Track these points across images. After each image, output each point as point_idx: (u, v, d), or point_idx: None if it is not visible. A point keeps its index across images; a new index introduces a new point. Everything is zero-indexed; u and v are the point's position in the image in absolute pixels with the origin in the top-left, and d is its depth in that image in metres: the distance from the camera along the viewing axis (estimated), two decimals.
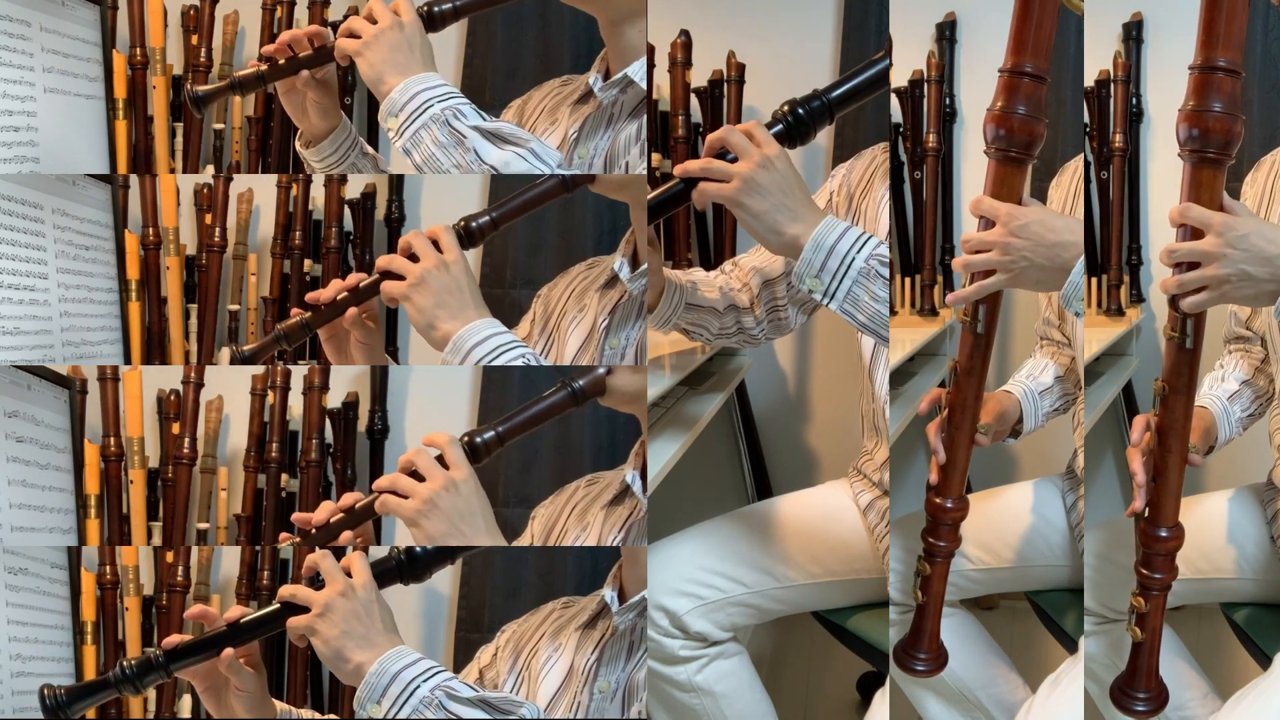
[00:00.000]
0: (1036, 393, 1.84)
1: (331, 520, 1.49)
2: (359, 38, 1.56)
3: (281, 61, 1.61)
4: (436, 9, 1.60)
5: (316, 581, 1.44)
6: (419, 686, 1.40)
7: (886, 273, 1.53)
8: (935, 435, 1.70)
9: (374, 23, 1.56)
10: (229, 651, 1.43)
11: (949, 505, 1.71)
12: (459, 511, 1.44)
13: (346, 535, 1.49)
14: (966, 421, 1.69)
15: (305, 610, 1.42)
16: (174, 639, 1.44)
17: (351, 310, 1.55)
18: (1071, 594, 1.86)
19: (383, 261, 1.52)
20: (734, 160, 1.54)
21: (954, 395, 1.68)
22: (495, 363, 1.48)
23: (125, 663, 1.44)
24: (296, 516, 1.51)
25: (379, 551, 1.50)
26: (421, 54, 1.57)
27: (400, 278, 1.51)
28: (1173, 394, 1.57)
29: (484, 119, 1.56)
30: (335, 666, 1.41)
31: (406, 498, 1.44)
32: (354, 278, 1.56)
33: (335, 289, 1.56)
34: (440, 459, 1.45)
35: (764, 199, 1.52)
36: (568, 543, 1.58)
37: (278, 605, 1.44)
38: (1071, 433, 1.90)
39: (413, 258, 1.51)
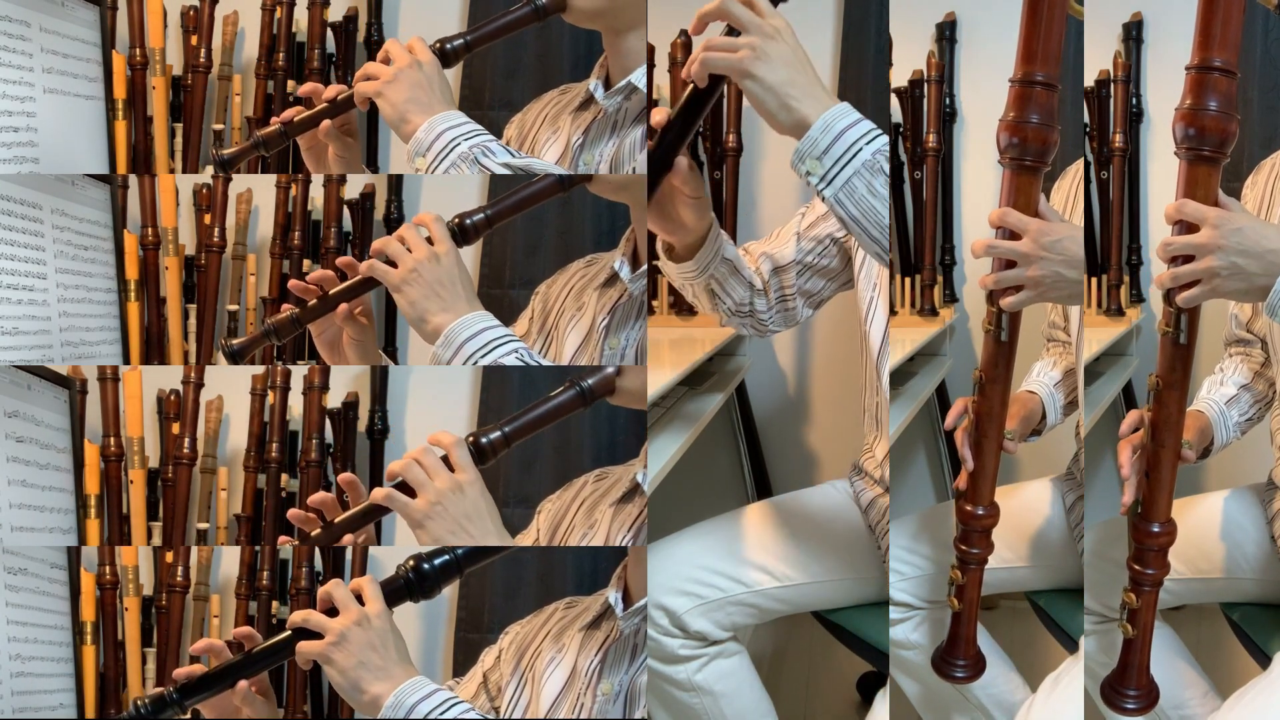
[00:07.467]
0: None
1: (335, 521, 1.48)
2: (377, 80, 1.55)
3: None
4: (449, 45, 1.59)
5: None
6: None
7: (888, 169, 1.44)
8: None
9: (389, 63, 1.55)
10: (243, 684, 1.41)
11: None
12: (465, 514, 1.43)
13: (349, 538, 1.47)
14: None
15: (317, 635, 1.40)
16: (184, 671, 1.42)
17: (342, 306, 1.54)
18: (1072, 594, 1.86)
19: (378, 245, 1.50)
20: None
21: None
22: (488, 358, 1.47)
23: (139, 701, 1.43)
24: (293, 514, 1.48)
25: (381, 559, 1.48)
26: (441, 91, 1.56)
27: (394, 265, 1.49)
28: (1166, 389, 1.57)
29: (513, 155, 1.55)
30: (350, 697, 1.39)
31: (413, 496, 1.43)
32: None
33: (315, 277, 1.54)
34: (446, 460, 1.44)
35: (776, 71, 1.42)
36: (575, 538, 1.57)
37: (289, 632, 1.40)
38: (1073, 434, 1.90)
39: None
